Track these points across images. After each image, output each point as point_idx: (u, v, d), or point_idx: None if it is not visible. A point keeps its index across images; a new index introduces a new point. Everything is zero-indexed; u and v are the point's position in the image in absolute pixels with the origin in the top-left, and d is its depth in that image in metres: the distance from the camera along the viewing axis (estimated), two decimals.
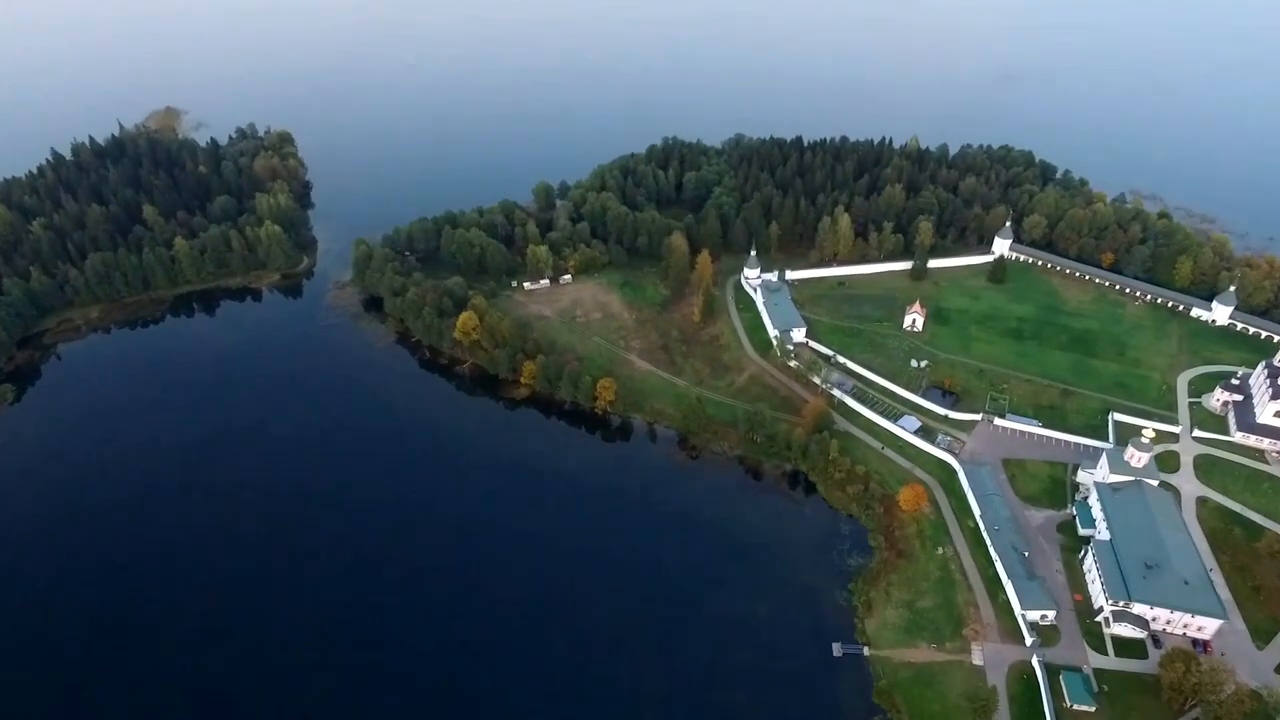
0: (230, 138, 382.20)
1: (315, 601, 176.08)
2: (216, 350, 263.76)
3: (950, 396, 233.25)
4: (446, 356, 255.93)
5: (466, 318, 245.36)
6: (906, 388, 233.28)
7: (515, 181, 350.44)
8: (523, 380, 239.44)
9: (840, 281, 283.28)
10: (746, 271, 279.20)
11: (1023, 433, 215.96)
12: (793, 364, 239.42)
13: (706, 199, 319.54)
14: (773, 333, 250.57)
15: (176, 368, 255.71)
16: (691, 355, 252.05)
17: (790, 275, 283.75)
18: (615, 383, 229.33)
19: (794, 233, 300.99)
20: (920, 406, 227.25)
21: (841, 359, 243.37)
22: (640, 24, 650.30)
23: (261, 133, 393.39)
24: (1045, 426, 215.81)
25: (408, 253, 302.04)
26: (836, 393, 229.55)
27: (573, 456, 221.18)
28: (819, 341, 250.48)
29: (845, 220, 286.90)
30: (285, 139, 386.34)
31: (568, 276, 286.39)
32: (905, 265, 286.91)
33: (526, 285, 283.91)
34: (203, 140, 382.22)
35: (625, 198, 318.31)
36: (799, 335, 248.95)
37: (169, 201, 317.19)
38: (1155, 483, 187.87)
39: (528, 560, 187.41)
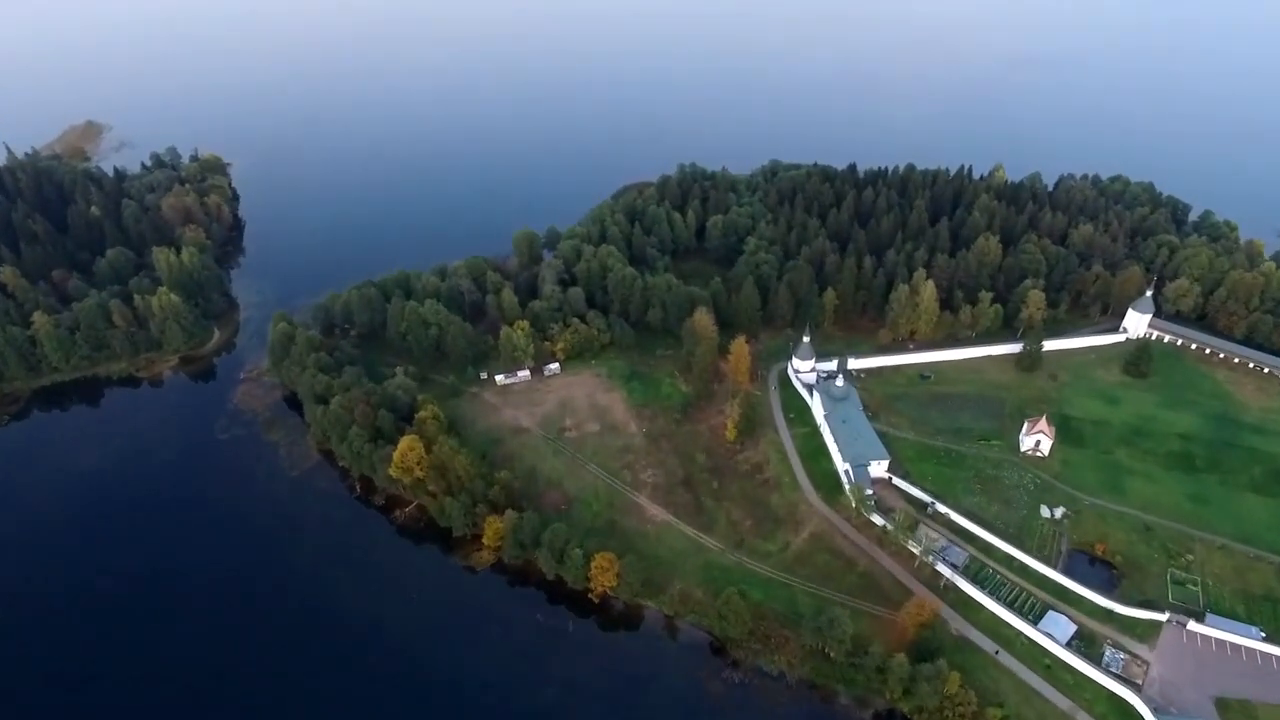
0: (143, 165, 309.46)
1: None
2: (73, 472, 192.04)
3: (1104, 568, 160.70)
4: (383, 493, 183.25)
5: (407, 447, 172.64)
6: (1039, 555, 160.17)
7: (493, 223, 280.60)
8: (485, 542, 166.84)
9: (923, 374, 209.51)
10: (796, 362, 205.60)
11: (1236, 647, 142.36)
12: (877, 521, 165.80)
13: (737, 251, 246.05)
14: (841, 466, 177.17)
15: (14, 501, 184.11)
16: (726, 496, 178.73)
17: (853, 364, 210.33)
18: (618, 557, 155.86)
19: (854, 301, 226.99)
20: (1064, 588, 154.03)
21: (941, 507, 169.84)
22: (640, 25, 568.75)
23: (186, 158, 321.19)
24: (1271, 640, 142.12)
25: (348, 327, 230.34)
26: (943, 569, 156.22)
27: (548, 671, 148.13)
28: (906, 476, 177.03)
29: (929, 290, 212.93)
30: (212, 167, 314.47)
31: (555, 366, 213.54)
32: (1008, 349, 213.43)
33: (499, 379, 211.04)
34: (125, 165, 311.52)
35: (631, 249, 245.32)
36: (879, 469, 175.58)
37: (44, 257, 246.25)
38: None
39: None
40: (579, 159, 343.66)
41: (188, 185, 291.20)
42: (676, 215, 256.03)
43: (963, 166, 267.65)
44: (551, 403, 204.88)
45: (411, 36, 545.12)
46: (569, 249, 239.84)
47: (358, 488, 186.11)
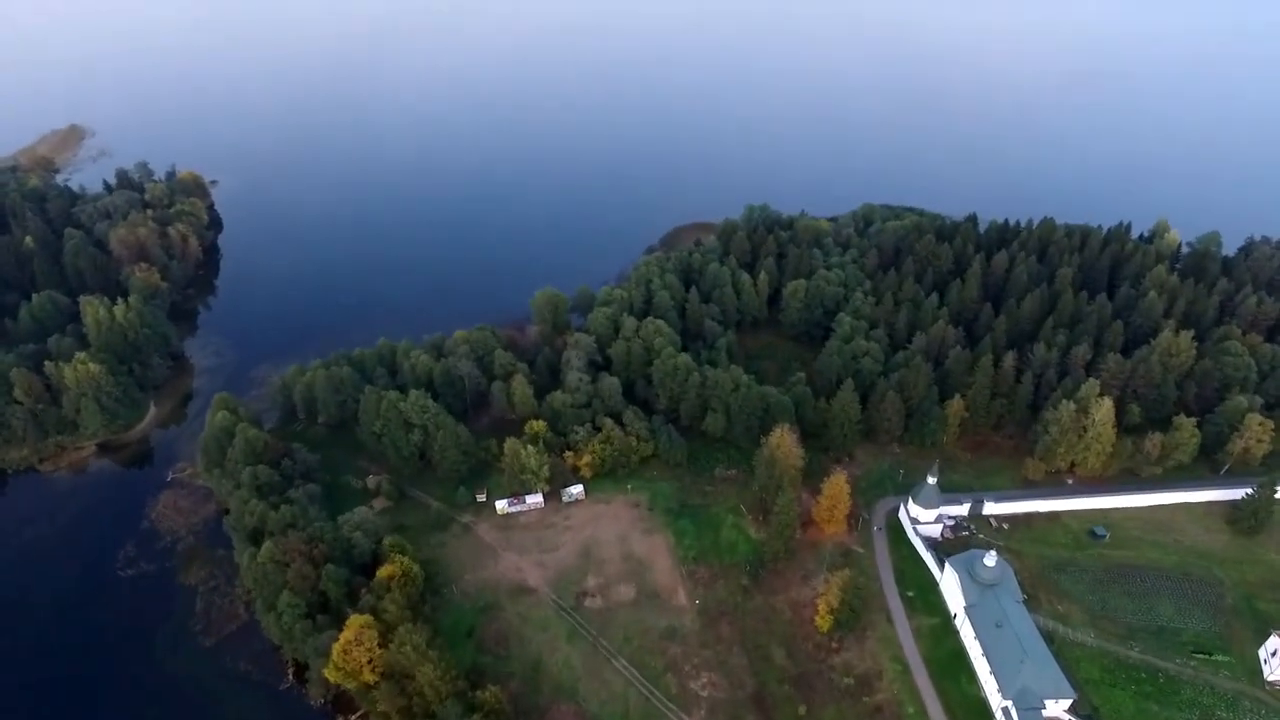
0: (105, 184, 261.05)
1: None
2: None
3: None
4: (326, 692, 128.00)
5: (353, 637, 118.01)
6: None
7: (512, 266, 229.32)
8: None
9: (1094, 530, 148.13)
10: (916, 509, 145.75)
11: None
12: None
13: (822, 327, 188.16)
14: (998, 702, 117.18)
15: None
16: None
17: (991, 508, 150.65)
18: None
19: (988, 412, 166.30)
20: None
21: None
22: (690, 35, 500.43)
23: (163, 174, 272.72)
24: None
25: (315, 413, 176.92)
26: None
27: None
28: (1093, 717, 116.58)
29: (1106, 409, 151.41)
30: (187, 188, 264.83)
31: (577, 489, 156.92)
32: (1216, 495, 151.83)
33: (501, 505, 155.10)
34: (94, 181, 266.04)
35: (685, 320, 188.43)
36: (1058, 709, 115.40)
37: None
38: None
39: None
40: (620, 195, 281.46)
41: (150, 211, 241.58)
42: (745, 277, 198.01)
43: (1120, 223, 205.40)
44: (570, 547, 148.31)
45: (430, 48, 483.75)
46: (603, 321, 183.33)
47: (290, 675, 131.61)
